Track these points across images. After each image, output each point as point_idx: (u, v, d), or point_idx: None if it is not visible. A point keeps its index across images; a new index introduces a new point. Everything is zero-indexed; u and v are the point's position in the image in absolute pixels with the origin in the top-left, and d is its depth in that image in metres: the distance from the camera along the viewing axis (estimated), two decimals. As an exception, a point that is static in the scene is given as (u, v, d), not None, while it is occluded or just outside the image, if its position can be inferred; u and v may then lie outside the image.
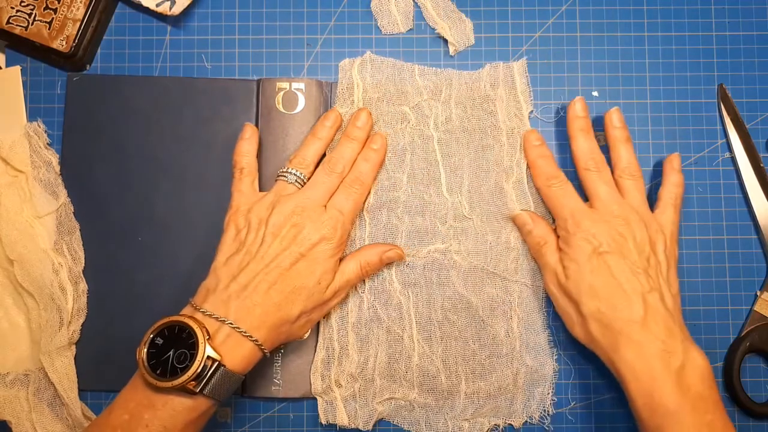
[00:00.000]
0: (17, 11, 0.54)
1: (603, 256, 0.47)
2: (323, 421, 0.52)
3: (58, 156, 0.54)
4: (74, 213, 0.54)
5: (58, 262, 0.52)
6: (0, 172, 0.54)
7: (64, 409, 0.52)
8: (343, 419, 0.52)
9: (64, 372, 0.51)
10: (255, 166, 0.52)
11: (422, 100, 0.54)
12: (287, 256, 0.47)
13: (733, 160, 0.55)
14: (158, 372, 0.43)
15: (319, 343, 0.53)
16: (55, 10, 0.54)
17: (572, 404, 0.53)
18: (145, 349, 0.44)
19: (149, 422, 0.43)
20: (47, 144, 0.54)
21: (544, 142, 0.53)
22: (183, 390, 0.43)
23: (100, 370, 0.53)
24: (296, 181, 0.50)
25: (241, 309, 0.45)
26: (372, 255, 0.51)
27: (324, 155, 0.52)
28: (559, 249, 0.50)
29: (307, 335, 0.50)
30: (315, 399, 0.52)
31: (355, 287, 0.53)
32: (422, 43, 0.56)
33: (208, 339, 0.43)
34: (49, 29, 0.54)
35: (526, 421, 0.52)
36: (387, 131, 0.54)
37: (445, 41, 0.56)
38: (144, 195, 0.54)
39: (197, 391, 0.43)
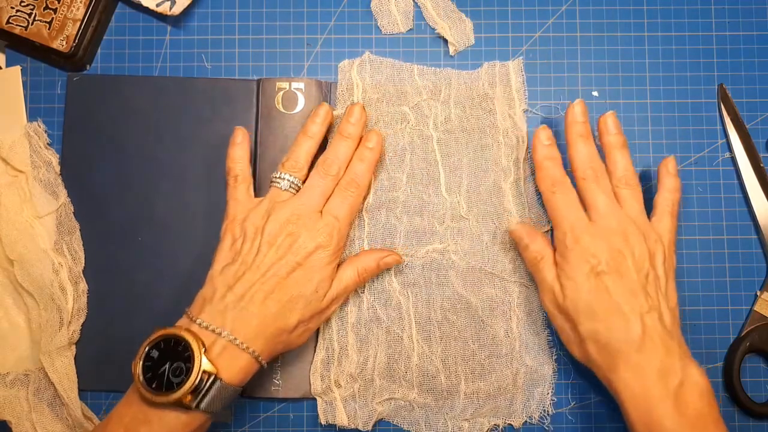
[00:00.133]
0: (17, 11, 0.54)
1: (601, 276, 0.46)
2: (323, 422, 0.52)
3: (58, 156, 0.54)
4: (74, 213, 0.54)
5: (58, 262, 0.52)
6: (0, 172, 0.54)
7: (64, 409, 0.52)
8: (342, 419, 0.52)
9: (64, 372, 0.51)
10: (249, 171, 0.51)
11: (422, 100, 0.54)
12: (283, 266, 0.46)
13: (733, 160, 0.55)
14: (154, 386, 0.43)
15: (318, 344, 0.53)
16: (55, 10, 0.54)
17: (572, 404, 0.53)
18: (141, 363, 0.44)
19: None
20: (47, 144, 0.54)
21: (554, 143, 0.50)
22: (179, 405, 0.42)
23: (100, 370, 0.53)
24: (290, 186, 0.49)
25: (237, 320, 0.45)
26: (369, 261, 0.50)
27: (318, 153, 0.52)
28: (556, 263, 0.48)
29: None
30: (315, 399, 0.52)
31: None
32: (422, 43, 0.56)
33: (204, 352, 0.43)
34: (49, 29, 0.54)
35: (526, 421, 0.52)
36: (387, 131, 0.54)
37: (445, 41, 0.56)
38: (144, 195, 0.54)
39: (193, 406, 0.42)
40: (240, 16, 0.56)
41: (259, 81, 0.55)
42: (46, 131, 0.55)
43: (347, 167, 0.50)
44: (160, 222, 0.54)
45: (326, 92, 0.55)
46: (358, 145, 0.51)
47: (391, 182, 0.53)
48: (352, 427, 0.52)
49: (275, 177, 0.50)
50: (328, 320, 0.53)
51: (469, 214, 0.53)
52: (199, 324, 0.45)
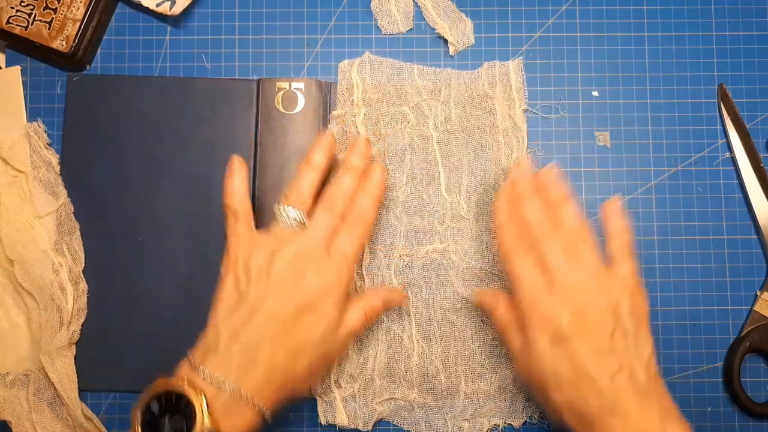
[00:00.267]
0: (17, 11, 0.54)
1: (563, 341, 0.43)
2: (323, 422, 0.52)
3: (58, 156, 0.54)
4: (74, 213, 0.54)
5: (58, 262, 0.52)
6: (0, 172, 0.54)
7: (64, 409, 0.52)
8: (342, 419, 0.52)
9: (64, 372, 0.51)
10: (248, 205, 0.48)
11: (422, 100, 0.54)
12: (291, 309, 0.44)
13: (733, 160, 0.55)
14: None
15: (319, 343, 0.53)
16: (55, 10, 0.54)
17: (572, 404, 0.53)
18: (140, 413, 0.41)
19: None
20: (47, 144, 0.54)
21: (513, 206, 0.48)
22: None
23: (100, 370, 0.53)
24: (295, 221, 0.47)
25: (243, 369, 0.42)
26: (376, 300, 0.48)
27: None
28: (520, 330, 0.46)
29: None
30: (314, 399, 0.52)
31: (356, 287, 0.53)
32: (422, 43, 0.56)
33: (206, 406, 0.41)
34: (49, 29, 0.54)
35: (526, 422, 0.52)
36: (387, 131, 0.54)
37: (445, 41, 0.56)
38: (144, 195, 0.54)
39: None
40: (240, 16, 0.56)
41: (259, 81, 0.55)
42: (46, 131, 0.55)
43: (353, 202, 0.48)
44: (160, 222, 0.54)
45: (326, 92, 0.55)
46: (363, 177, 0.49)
47: (391, 182, 0.53)
48: (352, 427, 0.52)
49: (279, 211, 0.47)
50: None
51: (469, 214, 0.53)
52: (202, 373, 0.42)
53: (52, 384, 0.51)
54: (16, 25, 0.54)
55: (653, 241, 0.54)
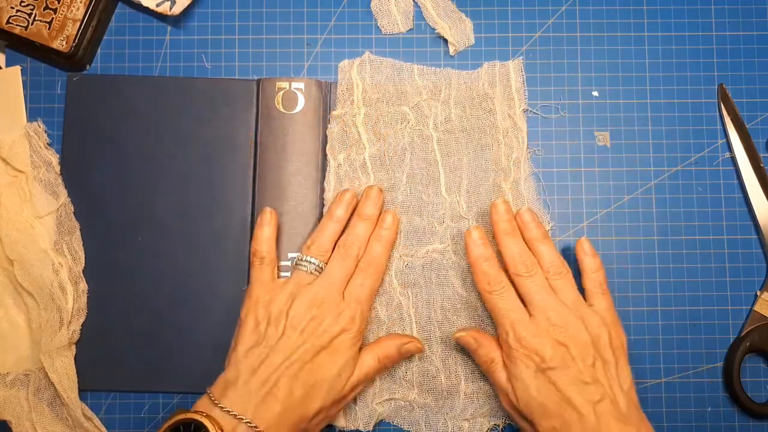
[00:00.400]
0: (17, 11, 0.54)
1: (547, 373, 0.46)
2: (323, 421, 0.52)
3: (58, 156, 0.54)
4: (74, 213, 0.54)
5: (58, 261, 0.52)
6: (0, 172, 0.54)
7: (64, 409, 0.52)
8: (341, 420, 0.52)
9: (64, 372, 0.51)
10: (275, 254, 0.51)
11: (422, 100, 0.54)
12: (308, 349, 0.47)
13: (733, 160, 0.55)
14: None
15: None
16: (55, 10, 0.54)
17: (572, 404, 0.53)
18: None
19: None
20: (47, 144, 0.54)
21: (487, 242, 0.50)
22: None
23: (100, 370, 0.53)
24: (315, 270, 0.50)
25: (261, 406, 0.45)
26: (390, 347, 0.50)
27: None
28: (505, 365, 0.48)
29: None
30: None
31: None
32: (422, 43, 0.56)
33: None
34: (49, 29, 0.54)
35: (526, 421, 0.52)
36: (387, 131, 0.54)
37: (445, 41, 0.56)
38: (144, 195, 0.54)
39: None
40: (240, 16, 0.56)
41: (259, 81, 0.55)
42: (46, 131, 0.55)
43: (366, 247, 0.51)
44: (160, 222, 0.54)
45: (326, 92, 0.55)
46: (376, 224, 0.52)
47: (390, 182, 0.53)
48: (353, 427, 0.52)
49: (301, 260, 0.50)
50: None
51: (469, 214, 0.53)
52: (221, 408, 0.45)
53: (52, 384, 0.51)
54: (16, 25, 0.54)
55: (653, 241, 0.54)
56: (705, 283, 0.54)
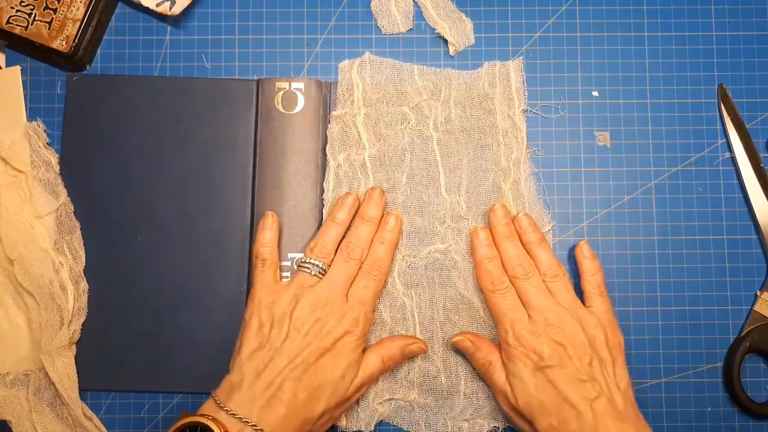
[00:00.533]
0: (17, 11, 0.54)
1: (545, 371, 0.47)
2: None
3: (57, 156, 0.54)
4: (74, 213, 0.54)
5: (59, 261, 0.52)
6: (0, 172, 0.54)
7: (65, 409, 0.52)
8: (344, 421, 0.52)
9: (64, 371, 0.51)
10: (277, 255, 0.52)
11: (422, 100, 0.54)
12: (312, 352, 0.47)
13: (733, 160, 0.55)
14: None
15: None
16: (54, 10, 0.54)
17: (572, 404, 0.53)
18: None
19: None
20: (47, 144, 0.54)
21: (492, 243, 0.51)
22: None
23: (101, 370, 0.53)
24: (318, 272, 0.50)
25: (265, 409, 0.45)
26: (393, 348, 0.51)
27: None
28: (504, 365, 0.49)
29: None
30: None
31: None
32: (422, 43, 0.56)
33: None
34: (49, 29, 0.54)
35: (526, 421, 0.52)
36: (387, 132, 0.54)
37: (445, 41, 0.56)
38: (144, 195, 0.54)
39: None
40: (240, 16, 0.56)
41: (259, 81, 0.55)
42: (45, 131, 0.55)
43: (370, 249, 0.51)
44: (160, 222, 0.54)
45: (326, 92, 0.55)
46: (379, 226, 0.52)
47: (390, 183, 0.53)
48: (354, 428, 0.52)
49: (303, 263, 0.50)
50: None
51: (469, 214, 0.53)
52: (227, 412, 0.45)
53: (53, 384, 0.51)
54: (16, 25, 0.54)
55: (653, 241, 0.54)
56: (705, 283, 0.54)
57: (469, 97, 0.54)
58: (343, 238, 0.52)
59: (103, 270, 0.54)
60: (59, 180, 0.54)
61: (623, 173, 0.55)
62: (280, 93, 0.54)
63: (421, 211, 0.53)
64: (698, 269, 0.54)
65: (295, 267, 0.52)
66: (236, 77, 0.56)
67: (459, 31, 0.56)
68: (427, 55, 0.56)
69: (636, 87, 0.56)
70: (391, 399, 0.52)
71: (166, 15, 0.55)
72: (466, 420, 0.52)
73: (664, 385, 0.53)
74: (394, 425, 0.53)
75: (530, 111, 0.55)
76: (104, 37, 0.56)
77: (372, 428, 0.52)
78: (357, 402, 0.52)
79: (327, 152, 0.54)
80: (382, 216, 0.52)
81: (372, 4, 0.56)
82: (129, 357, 0.53)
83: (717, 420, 0.53)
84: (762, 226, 0.54)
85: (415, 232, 0.53)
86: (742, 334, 0.53)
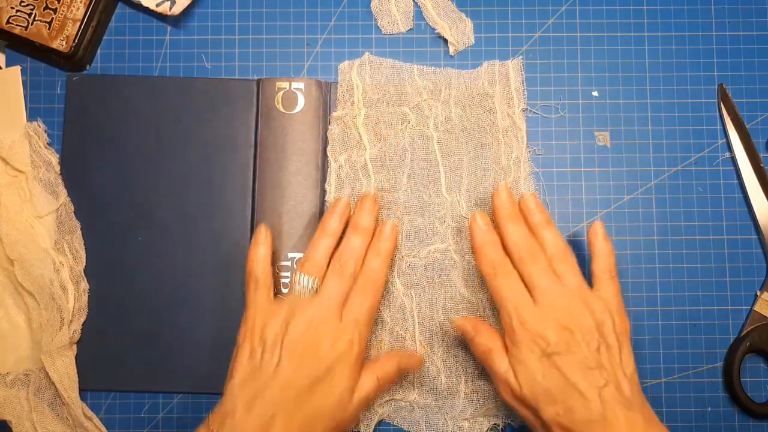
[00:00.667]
0: (17, 11, 0.54)
1: (552, 357, 0.44)
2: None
3: (57, 156, 0.54)
4: (74, 213, 0.54)
5: (59, 261, 0.52)
6: (0, 172, 0.54)
7: (65, 409, 0.52)
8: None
9: (64, 371, 0.51)
10: (269, 273, 0.49)
11: (422, 100, 0.54)
12: (305, 380, 0.45)
13: (733, 160, 0.55)
14: None
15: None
16: (54, 10, 0.54)
17: (572, 404, 0.53)
18: None
19: None
20: (47, 144, 0.54)
21: (491, 227, 0.49)
22: None
23: (101, 370, 0.53)
24: (310, 289, 0.48)
25: None
26: (389, 366, 0.49)
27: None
28: (506, 350, 0.47)
29: None
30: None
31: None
32: (422, 43, 0.56)
33: None
34: (48, 29, 0.54)
35: (526, 421, 0.52)
36: (387, 132, 0.54)
37: (445, 41, 0.56)
38: (144, 195, 0.54)
39: None
40: (240, 16, 0.56)
41: (259, 81, 0.55)
42: (46, 131, 0.55)
43: (364, 262, 0.49)
44: (160, 222, 0.54)
45: (326, 92, 0.55)
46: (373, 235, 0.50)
47: (391, 183, 0.53)
48: (354, 430, 0.52)
49: (294, 278, 0.48)
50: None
51: (469, 213, 0.53)
52: None
53: (53, 384, 0.51)
54: (16, 25, 0.54)
55: (653, 241, 0.54)
56: (705, 283, 0.54)
57: (469, 96, 0.54)
58: (337, 246, 0.49)
59: (103, 270, 0.54)
60: (59, 180, 0.54)
61: (623, 173, 0.55)
62: (281, 93, 0.54)
63: (422, 211, 0.53)
64: (698, 269, 0.54)
65: (295, 266, 0.51)
66: (236, 77, 0.56)
67: (459, 31, 0.56)
68: (427, 55, 0.56)
69: (636, 87, 0.56)
70: (391, 399, 0.52)
71: (166, 15, 0.55)
72: (466, 420, 0.52)
73: (664, 385, 0.53)
74: (394, 425, 0.53)
75: (530, 111, 0.55)
76: (104, 37, 0.56)
77: (371, 430, 0.52)
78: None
79: (328, 153, 0.54)
80: (377, 224, 0.50)
81: (372, 4, 0.56)
82: (129, 357, 0.53)
83: (717, 420, 0.53)
84: (762, 226, 0.54)
85: (415, 232, 0.53)
86: (742, 334, 0.53)
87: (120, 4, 0.57)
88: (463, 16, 0.56)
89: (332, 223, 0.50)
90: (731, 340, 0.54)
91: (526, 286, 0.47)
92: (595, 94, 0.56)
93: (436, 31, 0.56)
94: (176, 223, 0.54)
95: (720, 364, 0.54)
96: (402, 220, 0.53)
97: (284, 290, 0.52)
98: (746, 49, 0.56)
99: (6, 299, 0.53)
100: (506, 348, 0.47)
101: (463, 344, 0.52)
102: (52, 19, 0.54)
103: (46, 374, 0.52)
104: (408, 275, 0.53)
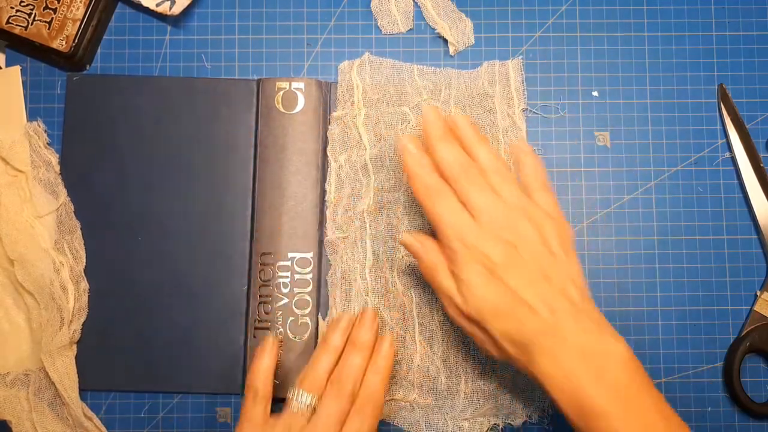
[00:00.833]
0: (17, 11, 0.54)
1: (496, 272, 0.43)
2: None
3: (57, 156, 0.54)
4: (74, 213, 0.54)
5: (59, 261, 0.53)
6: (0, 172, 0.54)
7: (65, 409, 0.52)
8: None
9: (65, 371, 0.51)
10: (270, 387, 0.47)
11: (422, 100, 0.54)
12: None
13: (733, 160, 0.55)
14: None
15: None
16: (54, 10, 0.54)
17: (572, 404, 0.53)
18: None
19: None
20: (47, 144, 0.54)
21: (422, 150, 0.46)
22: None
23: (101, 370, 0.53)
24: (308, 407, 0.46)
25: None
26: None
27: None
28: (451, 272, 0.45)
29: None
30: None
31: (359, 290, 0.53)
32: (422, 43, 0.56)
33: None
34: (48, 29, 0.54)
35: (526, 421, 0.52)
36: (387, 132, 0.54)
37: (445, 41, 0.56)
38: (144, 195, 0.54)
39: None
40: (240, 16, 0.56)
41: (259, 81, 0.55)
42: (46, 131, 0.55)
43: (363, 381, 0.47)
44: (160, 222, 0.54)
45: (326, 92, 0.55)
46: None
47: (391, 183, 0.53)
48: (353, 427, 0.52)
49: (293, 396, 0.46)
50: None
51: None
52: None
53: (53, 384, 0.51)
54: (16, 25, 0.54)
55: (653, 241, 0.54)
56: (705, 283, 0.54)
57: (469, 96, 0.54)
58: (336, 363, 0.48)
59: (103, 270, 0.54)
60: (59, 180, 0.54)
61: (623, 173, 0.55)
62: (281, 93, 0.54)
63: (422, 211, 0.53)
64: (698, 269, 0.54)
65: (294, 266, 0.51)
66: (236, 77, 0.56)
67: (459, 31, 0.56)
68: (427, 55, 0.56)
69: (636, 87, 0.56)
70: (391, 399, 0.52)
71: (166, 15, 0.55)
72: (466, 419, 0.52)
73: (664, 385, 0.53)
74: (394, 425, 0.53)
75: (530, 111, 0.55)
76: (104, 37, 0.56)
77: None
78: None
79: (328, 153, 0.54)
80: (376, 339, 0.48)
81: (372, 4, 0.56)
82: (129, 357, 0.53)
83: (717, 420, 0.53)
84: (762, 226, 0.54)
85: (415, 232, 0.53)
86: (742, 334, 0.53)
87: (120, 4, 0.57)
88: (463, 16, 0.56)
89: (334, 340, 0.48)
90: (731, 340, 0.54)
91: (464, 204, 0.45)
92: (595, 94, 0.56)
93: (436, 31, 0.56)
94: (176, 223, 0.54)
95: (720, 364, 0.54)
96: (402, 219, 0.53)
97: (284, 290, 0.52)
98: (746, 49, 0.56)
99: (6, 299, 0.53)
100: (450, 270, 0.45)
101: (463, 344, 0.53)
102: (52, 19, 0.54)
103: (46, 374, 0.52)
104: (408, 275, 0.53)
